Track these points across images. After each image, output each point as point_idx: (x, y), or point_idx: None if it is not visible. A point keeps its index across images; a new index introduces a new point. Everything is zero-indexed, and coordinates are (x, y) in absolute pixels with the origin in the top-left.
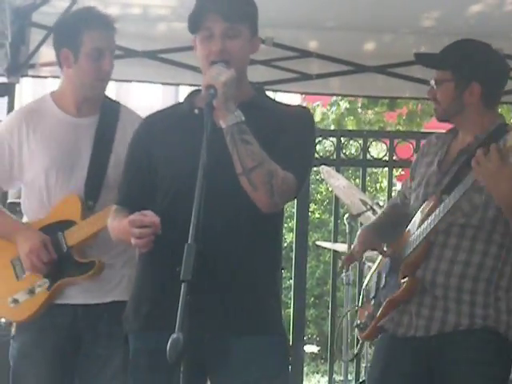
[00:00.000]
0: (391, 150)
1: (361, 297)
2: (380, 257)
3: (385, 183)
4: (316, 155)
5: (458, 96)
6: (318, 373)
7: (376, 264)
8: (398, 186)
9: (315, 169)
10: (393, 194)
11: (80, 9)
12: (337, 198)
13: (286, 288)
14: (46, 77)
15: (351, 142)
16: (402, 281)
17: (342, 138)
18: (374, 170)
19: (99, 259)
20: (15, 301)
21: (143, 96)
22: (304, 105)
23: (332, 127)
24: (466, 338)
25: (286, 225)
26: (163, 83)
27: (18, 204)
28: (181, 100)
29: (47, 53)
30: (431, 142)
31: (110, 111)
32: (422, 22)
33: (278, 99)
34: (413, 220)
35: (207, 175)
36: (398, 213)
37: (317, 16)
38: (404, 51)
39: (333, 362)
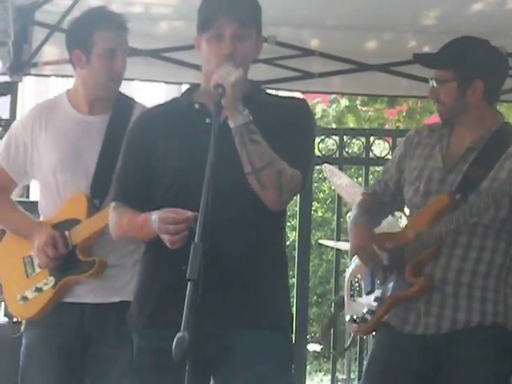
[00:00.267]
0: (394, 148)
1: (345, 288)
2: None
3: None
4: (318, 153)
5: (461, 95)
6: (320, 371)
7: (354, 257)
8: None
9: (318, 167)
10: None
11: (92, 8)
12: (339, 197)
13: None
14: (48, 75)
15: (354, 140)
16: (412, 278)
17: (344, 137)
18: (377, 168)
19: (100, 258)
20: (24, 298)
21: (146, 94)
22: None
23: (333, 125)
24: (476, 334)
25: (288, 223)
26: (166, 82)
27: (21, 202)
28: None
29: (50, 51)
30: (422, 133)
31: (124, 108)
32: (424, 20)
33: None
34: (414, 216)
35: (213, 173)
36: (378, 201)
37: (319, 15)
38: (406, 49)
39: (336, 361)
